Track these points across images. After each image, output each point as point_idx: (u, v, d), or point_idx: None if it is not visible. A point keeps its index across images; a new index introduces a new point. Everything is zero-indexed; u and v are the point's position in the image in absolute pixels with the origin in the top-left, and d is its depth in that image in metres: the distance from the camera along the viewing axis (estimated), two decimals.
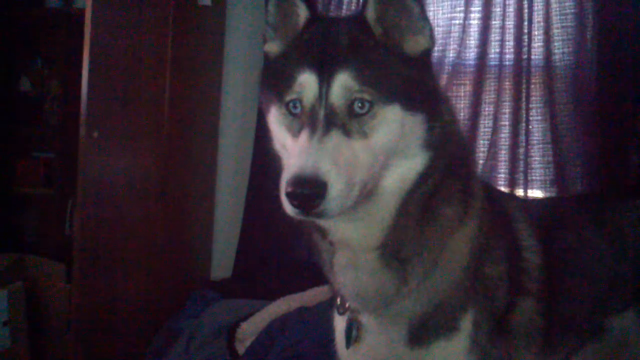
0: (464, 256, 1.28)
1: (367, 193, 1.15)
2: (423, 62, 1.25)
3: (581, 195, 2.86)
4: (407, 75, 1.20)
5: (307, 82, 1.16)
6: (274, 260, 3.34)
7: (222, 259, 3.56)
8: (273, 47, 1.32)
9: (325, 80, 1.14)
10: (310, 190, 1.04)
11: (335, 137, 1.11)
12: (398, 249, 1.22)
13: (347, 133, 1.12)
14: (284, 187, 1.06)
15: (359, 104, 1.14)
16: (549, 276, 1.39)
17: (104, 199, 2.74)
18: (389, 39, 1.21)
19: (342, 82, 1.13)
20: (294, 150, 1.15)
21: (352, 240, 1.24)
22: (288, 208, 1.08)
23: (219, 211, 3.61)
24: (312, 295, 2.71)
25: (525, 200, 2.39)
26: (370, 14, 1.21)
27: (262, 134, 3.26)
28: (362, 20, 1.22)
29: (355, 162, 1.11)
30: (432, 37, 1.24)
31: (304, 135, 1.12)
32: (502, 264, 1.33)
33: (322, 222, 1.23)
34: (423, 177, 1.20)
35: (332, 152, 1.09)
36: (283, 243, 3.34)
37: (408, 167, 1.19)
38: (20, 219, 3.41)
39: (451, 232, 1.26)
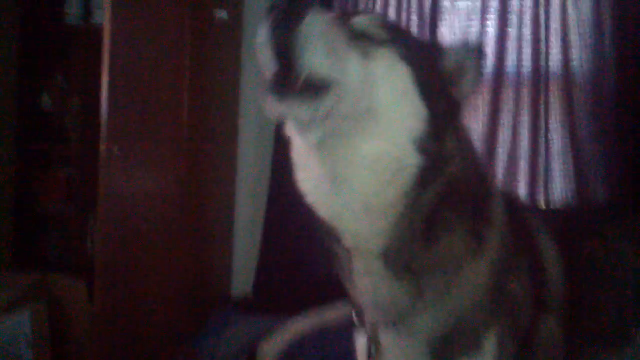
0: (485, 276, 1.24)
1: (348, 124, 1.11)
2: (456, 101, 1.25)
3: (604, 205, 2.82)
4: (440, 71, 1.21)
5: None
6: (295, 276, 3.32)
7: (242, 276, 3.54)
8: None
9: None
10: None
11: (339, 34, 1.09)
12: (406, 260, 1.19)
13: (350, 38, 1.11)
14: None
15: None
16: (572, 289, 1.35)
17: (124, 214, 2.74)
18: None
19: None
20: None
21: (356, 241, 1.20)
22: (264, 38, 1.05)
23: (239, 227, 3.59)
24: (333, 312, 2.69)
25: (548, 211, 2.35)
26: None
27: (280, 148, 3.29)
28: None
29: (341, 48, 1.08)
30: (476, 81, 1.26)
31: None
32: (525, 280, 1.29)
33: (327, 208, 1.20)
34: (419, 185, 1.16)
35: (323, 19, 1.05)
36: (303, 259, 3.33)
37: (398, 163, 1.14)
38: (42, 235, 3.41)
39: (466, 259, 1.22)
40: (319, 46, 1.03)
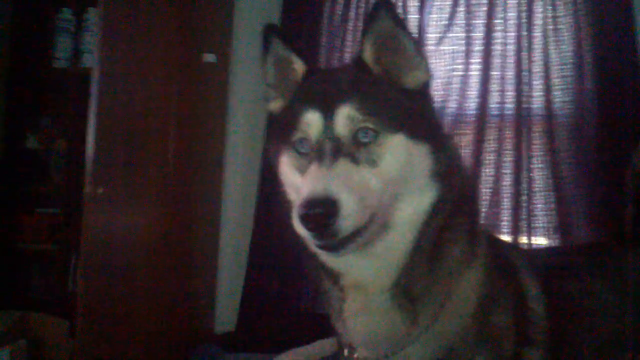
0: (471, 302, 1.26)
1: (382, 224, 1.17)
2: (423, 94, 1.31)
3: (584, 245, 2.85)
4: (409, 107, 1.24)
5: (311, 119, 1.20)
6: (279, 312, 3.31)
7: (226, 312, 3.53)
8: (276, 105, 1.38)
9: (328, 114, 1.19)
10: (323, 209, 1.05)
11: (344, 164, 1.14)
12: (410, 288, 1.22)
13: (355, 161, 1.15)
14: (297, 212, 1.07)
15: (364, 133, 1.18)
16: (554, 327, 1.36)
17: (107, 254, 2.73)
18: (388, 76, 1.27)
19: (345, 113, 1.18)
20: (304, 182, 1.17)
21: (366, 281, 1.23)
22: (303, 232, 1.09)
23: (222, 265, 3.59)
24: (318, 348, 2.68)
25: (528, 250, 2.38)
26: (368, 55, 1.28)
27: (264, 189, 3.32)
28: (360, 62, 1.29)
29: (364, 187, 1.13)
30: (428, 70, 1.30)
31: (313, 166, 1.15)
32: (508, 314, 1.31)
33: (337, 263, 1.24)
34: (435, 211, 1.21)
35: (341, 175, 1.12)
36: (287, 294, 3.33)
37: (419, 199, 1.20)
38: (24, 274, 3.40)
39: (458, 272, 1.26)
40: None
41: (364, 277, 1.24)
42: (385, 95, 1.24)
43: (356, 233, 1.10)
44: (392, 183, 1.17)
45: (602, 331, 1.48)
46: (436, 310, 1.23)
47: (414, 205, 1.20)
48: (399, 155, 1.18)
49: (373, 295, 1.23)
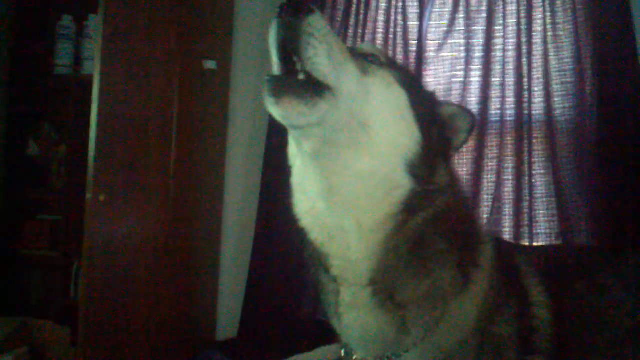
0: (471, 316, 1.26)
1: (350, 130, 1.16)
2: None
3: (590, 245, 2.85)
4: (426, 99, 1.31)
5: None
6: (281, 318, 3.31)
7: (228, 319, 3.53)
8: None
9: None
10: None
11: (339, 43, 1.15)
12: (391, 291, 1.21)
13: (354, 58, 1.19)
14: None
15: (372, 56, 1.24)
16: (561, 331, 1.35)
17: (109, 261, 2.73)
18: None
19: None
20: None
21: (347, 273, 1.24)
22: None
23: (224, 271, 3.59)
24: (320, 355, 2.68)
25: (537, 250, 2.33)
26: None
27: (266, 196, 3.32)
28: None
29: (339, 51, 1.14)
30: None
31: None
32: (512, 324, 1.30)
33: (321, 233, 1.25)
34: (408, 209, 1.20)
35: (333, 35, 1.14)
36: (290, 301, 3.32)
37: (390, 183, 1.20)
38: (25, 281, 3.40)
39: (452, 296, 1.25)
40: (321, 46, 1.08)
41: (345, 265, 1.24)
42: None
43: (325, 87, 1.09)
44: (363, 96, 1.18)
45: (614, 334, 1.45)
46: (430, 324, 1.23)
47: (378, 163, 1.19)
48: (390, 93, 1.22)
49: (356, 288, 1.23)
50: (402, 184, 1.20)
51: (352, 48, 1.25)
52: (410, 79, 1.32)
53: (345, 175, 1.18)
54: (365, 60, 1.23)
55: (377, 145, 1.17)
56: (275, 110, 1.09)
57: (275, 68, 1.13)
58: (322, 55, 1.08)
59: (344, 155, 1.16)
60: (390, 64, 1.29)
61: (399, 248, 1.20)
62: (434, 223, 1.22)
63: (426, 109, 1.28)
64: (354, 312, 1.25)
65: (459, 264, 1.26)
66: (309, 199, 1.26)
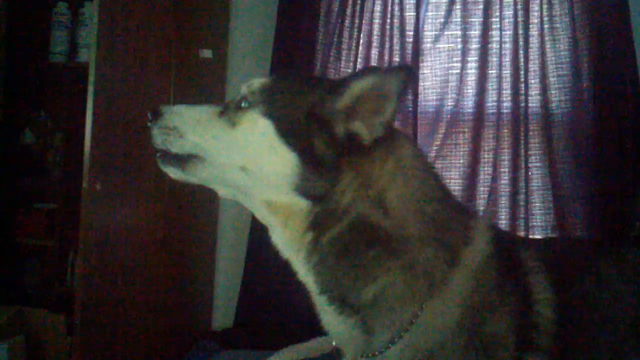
0: (452, 317, 1.24)
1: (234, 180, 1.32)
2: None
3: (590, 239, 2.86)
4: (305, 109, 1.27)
5: None
6: (277, 309, 3.31)
7: (224, 309, 3.53)
8: None
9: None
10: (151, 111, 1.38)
11: (207, 111, 1.36)
12: (342, 297, 1.24)
13: (221, 114, 1.33)
14: None
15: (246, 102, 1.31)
16: (565, 327, 1.33)
17: (105, 250, 2.72)
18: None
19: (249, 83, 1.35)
20: None
21: (301, 277, 1.31)
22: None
23: (220, 260, 3.59)
24: (316, 345, 2.68)
25: (544, 243, 2.25)
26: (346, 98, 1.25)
27: None
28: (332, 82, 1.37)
29: (203, 124, 1.33)
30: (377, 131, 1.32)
31: None
32: (507, 321, 1.28)
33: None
34: (313, 228, 1.24)
35: (194, 110, 1.37)
36: (285, 291, 3.32)
37: (287, 209, 1.27)
38: (21, 270, 3.38)
39: (422, 296, 1.23)
40: (172, 134, 1.34)
41: (295, 269, 1.32)
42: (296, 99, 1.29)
43: (192, 155, 1.33)
44: (237, 147, 1.29)
45: (619, 331, 1.43)
46: (398, 325, 1.23)
47: (271, 194, 1.28)
48: (256, 133, 1.27)
49: (316, 295, 1.29)
50: (300, 207, 1.25)
51: (228, 102, 1.37)
52: (283, 102, 1.28)
53: (256, 207, 1.34)
54: (238, 108, 1.30)
55: (261, 180, 1.27)
56: (167, 173, 1.39)
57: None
58: (174, 141, 1.34)
59: (250, 193, 1.33)
60: (263, 97, 1.29)
61: (325, 261, 1.24)
62: (352, 235, 1.23)
63: (303, 123, 1.24)
64: (325, 315, 1.31)
65: (427, 266, 1.23)
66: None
